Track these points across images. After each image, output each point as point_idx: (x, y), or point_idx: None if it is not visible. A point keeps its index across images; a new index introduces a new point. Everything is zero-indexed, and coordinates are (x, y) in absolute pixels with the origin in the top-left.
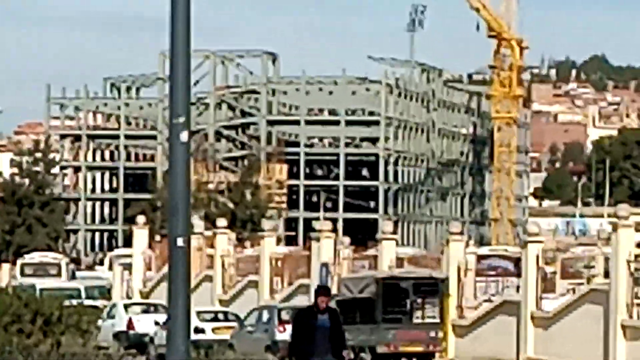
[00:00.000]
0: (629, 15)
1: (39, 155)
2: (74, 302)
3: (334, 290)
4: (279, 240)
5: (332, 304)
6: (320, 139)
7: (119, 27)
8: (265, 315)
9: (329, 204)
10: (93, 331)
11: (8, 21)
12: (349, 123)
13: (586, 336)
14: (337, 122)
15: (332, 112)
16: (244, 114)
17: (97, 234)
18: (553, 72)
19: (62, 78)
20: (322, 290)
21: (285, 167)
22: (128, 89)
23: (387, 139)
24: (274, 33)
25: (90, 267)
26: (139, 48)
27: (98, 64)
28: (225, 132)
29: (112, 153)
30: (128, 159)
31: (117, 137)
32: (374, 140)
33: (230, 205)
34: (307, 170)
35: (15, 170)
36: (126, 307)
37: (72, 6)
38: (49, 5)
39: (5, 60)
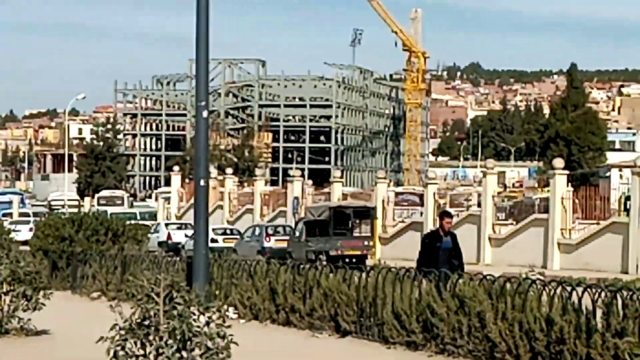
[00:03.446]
0: (497, 34)
1: (109, 126)
2: (132, 222)
3: (301, 215)
4: (266, 183)
5: (300, 225)
6: (293, 117)
7: (163, 41)
8: (257, 231)
9: (299, 159)
10: (144, 241)
11: (99, 37)
12: (312, 106)
13: (467, 243)
14: (304, 106)
15: (300, 99)
16: (243, 100)
17: (147, 178)
18: (445, 73)
19: (125, 75)
20: (446, 214)
21: (270, 135)
22: (168, 83)
23: (337, 116)
24: (264, 45)
25: (142, 200)
26: (176, 56)
27: (149, 66)
28: (231, 112)
29: (157, 125)
30: (167, 129)
31: (160, 114)
32: (328, 118)
33: (235, 159)
34: (285, 137)
35: (94, 136)
36: (166, 225)
37: (135, 26)
38: (121, 26)
39: (90, 61)
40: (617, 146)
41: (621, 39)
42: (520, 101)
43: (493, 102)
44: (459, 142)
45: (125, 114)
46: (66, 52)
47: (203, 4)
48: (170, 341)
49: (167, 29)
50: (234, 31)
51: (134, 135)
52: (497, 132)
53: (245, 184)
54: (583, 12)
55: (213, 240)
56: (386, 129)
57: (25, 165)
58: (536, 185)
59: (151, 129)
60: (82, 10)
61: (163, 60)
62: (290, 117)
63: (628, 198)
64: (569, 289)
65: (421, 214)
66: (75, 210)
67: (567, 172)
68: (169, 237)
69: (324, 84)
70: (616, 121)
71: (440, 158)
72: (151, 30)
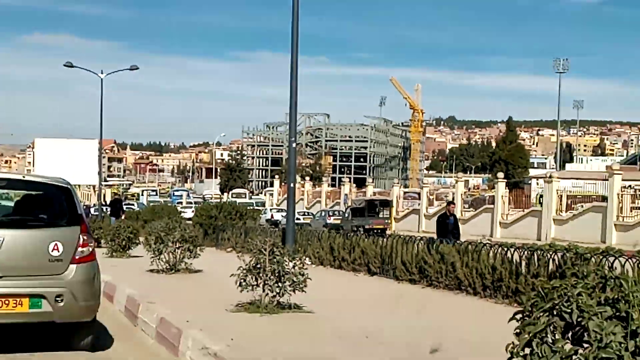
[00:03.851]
0: (465, 98)
1: (238, 152)
2: (250, 207)
3: (349, 204)
4: (328, 185)
5: (348, 210)
6: (345, 147)
7: (271, 102)
8: (323, 213)
9: (348, 172)
10: (258, 218)
11: (234, 100)
12: (356, 141)
13: None
14: (351, 140)
15: (349, 137)
16: (316, 137)
17: (260, 182)
18: (434, 122)
19: (249, 121)
20: (451, 203)
21: (331, 157)
22: (273, 127)
23: (370, 147)
24: (329, 104)
25: (257, 195)
26: (279, 111)
27: (263, 116)
28: (309, 144)
29: (266, 151)
30: (272, 154)
31: (268, 145)
32: (365, 148)
33: (310, 172)
34: (340, 159)
35: (230, 158)
36: (270, 209)
37: (253, 93)
38: (244, 93)
39: (228, 114)
40: (535, 166)
41: (541, 101)
42: (479, 139)
43: (462, 139)
44: (442, 163)
45: (248, 145)
46: (213, 109)
47: (294, 85)
48: (271, 277)
49: (273, 95)
50: (310, 95)
51: (253, 157)
52: (465, 157)
53: (316, 186)
54: (515, 84)
55: (297, 218)
56: (399, 155)
57: (190, 174)
58: (487, 188)
59: (262, 154)
60: (227, 84)
61: (271, 112)
62: (343, 147)
63: (541, 196)
64: (505, 249)
65: (418, 204)
66: (218, 200)
67: (505, 180)
68: (272, 216)
69: (364, 128)
70: (535, 151)
71: (430, 172)
72: (265, 95)
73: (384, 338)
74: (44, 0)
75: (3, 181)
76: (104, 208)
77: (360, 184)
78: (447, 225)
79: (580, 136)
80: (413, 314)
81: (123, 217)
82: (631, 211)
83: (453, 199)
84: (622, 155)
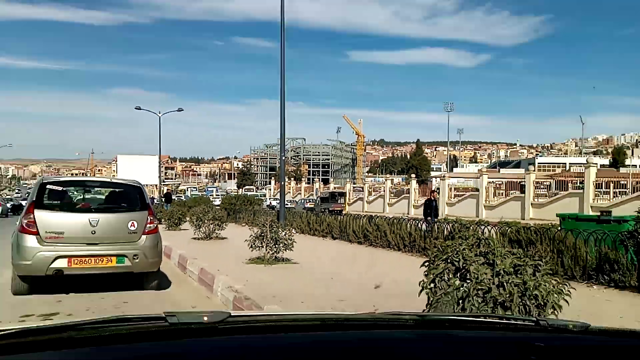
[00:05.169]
0: (388, 127)
1: (247, 163)
2: (256, 197)
3: (317, 195)
4: (305, 183)
5: (318, 198)
6: (316, 158)
7: (270, 130)
8: (303, 201)
9: (318, 176)
10: (261, 204)
11: (248, 132)
12: (322, 155)
13: (379, 205)
14: (319, 155)
15: (319, 153)
16: (297, 153)
17: (263, 182)
18: (372, 142)
19: (254, 142)
20: (435, 192)
21: (307, 166)
22: (270, 146)
23: (332, 159)
24: (304, 129)
25: (261, 189)
26: (274, 135)
27: (264, 138)
28: (292, 158)
29: (265, 162)
30: (270, 163)
31: (266, 158)
32: (328, 159)
33: (294, 175)
34: (312, 167)
35: (243, 166)
36: (269, 199)
37: (259, 127)
38: (254, 127)
39: (244, 138)
40: (434, 170)
41: (437, 129)
42: (399, 153)
43: (389, 153)
44: (376, 168)
45: (254, 158)
46: (232, 135)
47: (283, 120)
48: (271, 241)
49: (270, 126)
50: (293, 126)
51: (257, 166)
52: (390, 164)
53: (298, 184)
54: (421, 118)
55: (286, 204)
56: (349, 164)
57: (218, 177)
58: (405, 183)
59: (263, 163)
60: (241, 120)
61: (269, 137)
62: (314, 159)
63: (438, 188)
64: (417, 222)
65: (362, 194)
66: (236, 193)
67: (416, 179)
68: (270, 203)
69: (328, 147)
70: (434, 161)
71: (369, 174)
72: (265, 127)
73: (344, 279)
74: (122, 65)
75: (97, 183)
76: (161, 199)
77: (326, 182)
78: (432, 207)
79: (461, 151)
80: (361, 264)
81: (171, 204)
82: (494, 197)
83: (438, 190)
84: (488, 163)
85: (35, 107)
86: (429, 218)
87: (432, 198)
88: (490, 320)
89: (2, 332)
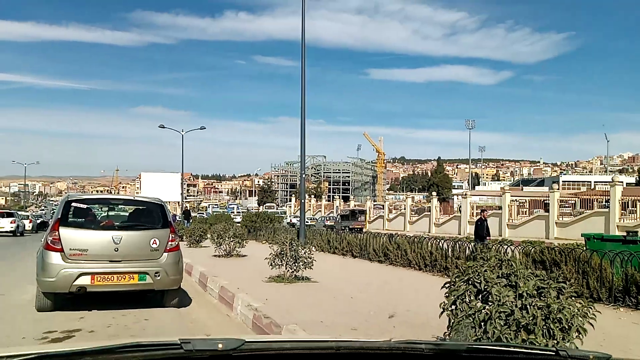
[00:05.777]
0: (409, 145)
1: (268, 180)
2: (277, 215)
3: (340, 212)
4: (325, 200)
5: (338, 216)
6: (336, 176)
7: (291, 147)
8: (323, 218)
9: (338, 192)
10: (282, 222)
11: (269, 149)
12: (343, 172)
13: (399, 224)
14: (339, 172)
15: (339, 170)
16: (317, 170)
17: (283, 199)
18: (392, 159)
19: (275, 160)
20: (484, 211)
21: (327, 183)
22: (291, 164)
23: (353, 176)
24: (328, 148)
25: (281, 207)
26: (294, 153)
27: (284, 156)
28: (312, 175)
29: (286, 179)
30: (290, 180)
31: (287, 175)
32: (349, 177)
33: (314, 192)
34: (333, 185)
35: (264, 184)
36: (289, 216)
37: (277, 143)
38: (273, 143)
39: (264, 159)
40: (456, 187)
41: (459, 147)
42: (420, 171)
43: (409, 171)
44: (397, 186)
45: (274, 175)
46: (253, 153)
47: (303, 138)
48: (290, 259)
49: (290, 144)
50: (313, 144)
51: (278, 183)
52: (411, 182)
53: (318, 201)
54: (442, 136)
55: (306, 222)
56: (370, 181)
57: (239, 194)
58: (426, 201)
59: (284, 181)
60: (262, 138)
61: (289, 155)
62: (335, 177)
63: (460, 206)
64: (438, 241)
65: (382, 212)
66: (256, 210)
67: (437, 196)
68: (290, 220)
69: (348, 164)
70: (455, 178)
71: (390, 192)
72: (285, 144)
73: (363, 299)
74: (147, 84)
75: (121, 200)
76: (180, 215)
77: (346, 200)
78: (484, 227)
79: (483, 169)
80: (381, 284)
81: (191, 222)
82: (517, 215)
83: (485, 209)
84: (510, 181)
85: (62, 125)
86: (486, 237)
87: (484, 218)
88: (508, 350)
89: (20, 358)
